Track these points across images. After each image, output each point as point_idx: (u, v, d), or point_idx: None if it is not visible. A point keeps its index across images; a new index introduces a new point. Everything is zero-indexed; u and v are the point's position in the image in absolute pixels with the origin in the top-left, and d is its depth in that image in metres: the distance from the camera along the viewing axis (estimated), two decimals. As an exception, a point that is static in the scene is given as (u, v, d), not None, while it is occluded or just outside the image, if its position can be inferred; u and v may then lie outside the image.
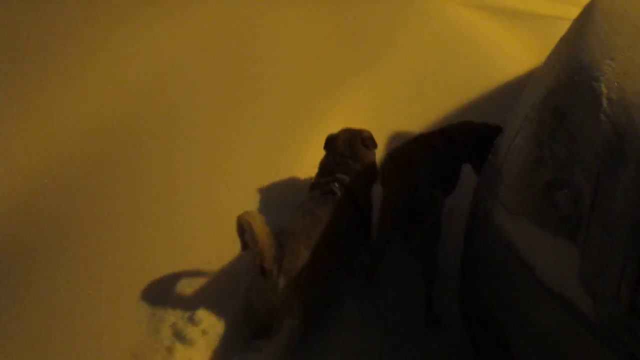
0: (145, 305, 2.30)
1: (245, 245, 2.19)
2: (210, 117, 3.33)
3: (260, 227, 2.14)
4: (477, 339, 2.06)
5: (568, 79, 1.76)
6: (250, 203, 2.84)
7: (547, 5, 5.73)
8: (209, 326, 2.23)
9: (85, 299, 2.28)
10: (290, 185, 3.09)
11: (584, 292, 1.50)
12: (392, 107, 3.79)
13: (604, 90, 1.64)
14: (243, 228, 2.14)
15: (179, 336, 2.17)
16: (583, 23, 2.03)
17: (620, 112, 1.56)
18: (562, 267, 1.57)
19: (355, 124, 3.59)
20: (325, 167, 2.77)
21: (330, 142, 2.87)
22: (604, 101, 1.61)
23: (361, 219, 2.63)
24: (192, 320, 2.24)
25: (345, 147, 2.79)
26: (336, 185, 2.59)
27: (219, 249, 2.56)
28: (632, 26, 1.91)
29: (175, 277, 2.41)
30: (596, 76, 1.68)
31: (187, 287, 2.39)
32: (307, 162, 3.23)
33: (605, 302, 1.45)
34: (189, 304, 2.31)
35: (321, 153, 2.91)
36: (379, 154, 3.50)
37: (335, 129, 3.35)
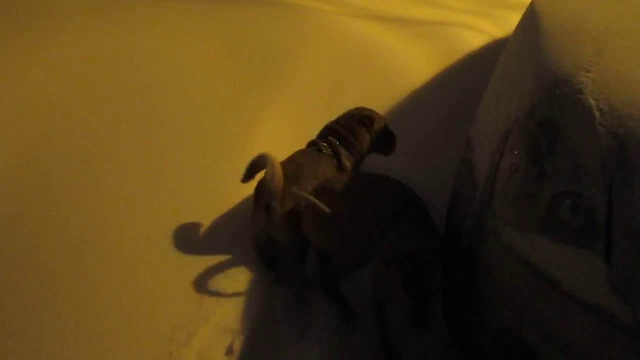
0: None
1: (247, 178, 2.60)
2: (122, 158, 3.01)
3: (280, 170, 2.46)
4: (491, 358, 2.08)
5: (549, 93, 1.82)
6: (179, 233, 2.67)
7: (440, 14, 6.02)
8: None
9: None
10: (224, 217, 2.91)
11: (619, 299, 1.56)
12: (313, 122, 3.74)
13: (592, 102, 1.72)
14: (260, 165, 2.53)
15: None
16: (536, 34, 2.10)
17: (616, 123, 1.65)
18: (589, 277, 1.62)
19: (281, 146, 3.50)
20: (322, 131, 2.98)
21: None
22: (596, 113, 1.69)
23: None
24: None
25: (345, 118, 2.98)
26: (324, 144, 2.84)
27: (187, 307, 2.34)
28: (586, 35, 2.03)
29: (151, 350, 2.15)
30: (579, 89, 1.75)
31: (168, 358, 2.15)
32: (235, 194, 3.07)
33: (643, 307, 1.52)
34: None
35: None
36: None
37: (255, 152, 3.27)
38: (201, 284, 2.44)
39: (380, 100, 3.89)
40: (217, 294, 2.41)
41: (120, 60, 3.69)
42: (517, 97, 1.99)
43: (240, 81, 3.84)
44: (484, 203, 2.00)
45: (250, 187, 2.73)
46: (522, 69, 2.06)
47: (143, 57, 3.78)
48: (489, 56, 4.13)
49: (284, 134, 3.56)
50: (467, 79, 4.03)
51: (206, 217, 2.77)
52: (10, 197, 2.59)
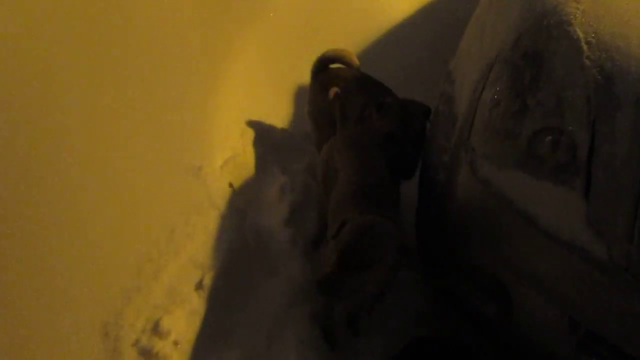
0: (95, 326, 1.99)
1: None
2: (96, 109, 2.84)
3: None
4: (466, 296, 2.08)
5: (536, 24, 1.74)
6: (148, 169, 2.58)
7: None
8: (180, 335, 1.99)
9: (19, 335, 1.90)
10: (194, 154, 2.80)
11: (595, 236, 1.55)
12: (288, 58, 3.59)
13: (580, 34, 1.64)
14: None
15: (147, 355, 1.92)
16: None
17: (604, 57, 1.58)
18: (567, 215, 1.60)
19: (253, 83, 3.37)
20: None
21: None
22: (584, 46, 1.62)
23: None
24: (157, 333, 1.98)
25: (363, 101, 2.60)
26: None
27: (157, 241, 2.28)
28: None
29: (119, 285, 2.11)
30: (568, 20, 1.67)
31: (137, 292, 2.11)
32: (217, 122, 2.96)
33: (619, 244, 1.51)
34: (148, 313, 2.04)
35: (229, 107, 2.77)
36: (284, 104, 3.37)
37: (233, 92, 3.13)
38: (171, 218, 2.37)
39: (360, 35, 3.76)
40: (187, 228, 2.36)
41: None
42: (502, 29, 1.89)
43: (207, 15, 3.61)
44: (463, 138, 1.94)
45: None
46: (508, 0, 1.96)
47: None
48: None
49: (255, 72, 3.41)
50: (449, 12, 3.88)
51: (176, 155, 2.66)
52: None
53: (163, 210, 2.38)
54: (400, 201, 2.31)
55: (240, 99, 3.12)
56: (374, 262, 1.75)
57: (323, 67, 2.92)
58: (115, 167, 2.48)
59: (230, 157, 2.80)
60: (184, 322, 2.06)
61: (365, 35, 3.90)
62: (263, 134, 3.14)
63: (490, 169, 1.79)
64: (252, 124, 3.13)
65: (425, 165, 2.34)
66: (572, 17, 1.68)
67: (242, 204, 2.60)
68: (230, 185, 2.77)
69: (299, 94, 3.39)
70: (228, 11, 3.61)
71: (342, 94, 2.65)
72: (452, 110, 2.11)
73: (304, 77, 3.35)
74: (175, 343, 2.00)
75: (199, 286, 2.17)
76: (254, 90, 3.22)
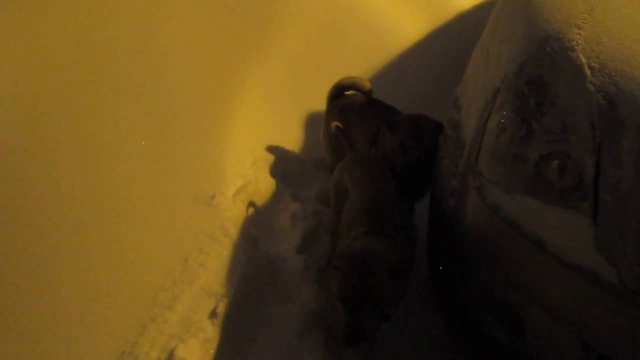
0: (110, 355, 2.01)
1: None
2: (117, 129, 2.92)
3: None
4: (478, 321, 2.08)
5: (539, 50, 1.77)
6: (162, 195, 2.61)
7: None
8: (196, 363, 2.01)
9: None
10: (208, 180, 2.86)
11: (604, 260, 1.55)
12: (299, 87, 3.66)
13: (583, 59, 1.67)
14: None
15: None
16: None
17: (607, 81, 1.60)
18: (576, 238, 1.61)
19: (265, 111, 3.43)
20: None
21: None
22: (587, 71, 1.64)
23: None
24: (173, 362, 2.00)
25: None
26: None
27: (171, 271, 2.31)
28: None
29: (134, 314, 2.13)
30: (571, 46, 1.70)
31: (151, 322, 2.13)
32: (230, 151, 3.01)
33: (629, 267, 1.51)
34: (163, 342, 2.06)
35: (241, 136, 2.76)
36: (295, 132, 3.42)
37: (245, 120, 3.19)
38: (185, 247, 2.41)
39: (368, 60, 3.83)
40: (200, 257, 2.39)
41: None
42: (506, 55, 1.93)
43: (220, 43, 3.71)
44: (471, 163, 1.96)
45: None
46: (513, 26, 1.99)
47: (122, 16, 3.63)
48: (480, 15, 4.04)
49: (267, 100, 3.48)
50: (458, 40, 3.95)
51: (189, 185, 2.71)
52: None
53: (177, 239, 2.41)
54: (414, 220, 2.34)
55: (252, 127, 3.18)
56: (373, 288, 1.78)
57: (338, 94, 3.03)
58: (129, 197, 2.53)
59: (242, 186, 2.84)
60: (198, 351, 2.07)
61: (376, 63, 3.98)
62: (274, 162, 3.19)
63: (499, 194, 1.81)
64: (263, 152, 3.19)
65: (434, 191, 2.36)
66: (574, 43, 1.71)
67: (254, 232, 2.63)
68: (251, 205, 2.83)
69: (310, 121, 3.45)
70: (240, 40, 3.71)
71: (354, 119, 2.82)
72: (460, 136, 2.14)
73: (314, 104, 3.41)
74: (190, 372, 2.02)
75: (212, 315, 2.19)
76: (266, 117, 3.28)
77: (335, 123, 2.81)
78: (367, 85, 3.06)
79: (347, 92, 3.07)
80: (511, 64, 1.86)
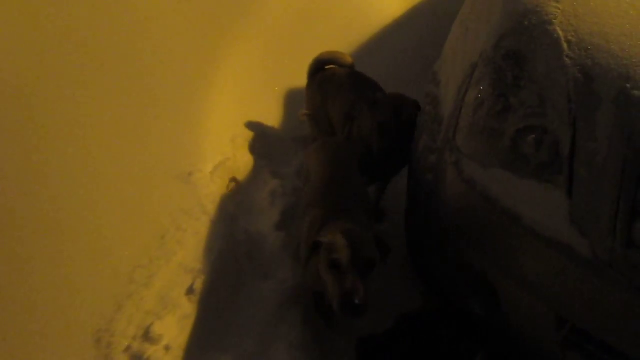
0: (87, 333, 1.99)
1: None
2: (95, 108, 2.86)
3: None
4: (455, 295, 2.09)
5: (517, 24, 1.76)
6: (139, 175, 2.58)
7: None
8: (171, 340, 1.99)
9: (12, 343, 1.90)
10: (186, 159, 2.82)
11: (578, 233, 1.56)
12: (278, 62, 3.61)
13: (561, 33, 1.66)
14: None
15: (139, 360, 1.93)
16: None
17: (584, 55, 1.60)
18: (551, 212, 1.61)
19: (243, 87, 3.38)
20: None
21: None
22: (564, 44, 1.64)
23: None
24: (148, 338, 1.98)
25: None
26: None
27: (148, 248, 2.29)
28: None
29: (111, 291, 2.11)
30: (548, 20, 1.69)
31: (128, 299, 2.11)
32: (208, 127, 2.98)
33: (602, 240, 1.52)
34: (139, 319, 2.04)
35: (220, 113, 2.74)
36: (274, 108, 3.37)
37: (223, 96, 3.15)
38: (162, 224, 2.38)
39: (349, 35, 3.80)
40: (177, 234, 2.37)
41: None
42: (485, 30, 1.92)
43: (197, 19, 3.62)
44: (448, 138, 1.96)
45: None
46: (492, 1, 1.98)
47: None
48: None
49: (245, 76, 3.42)
50: (439, 15, 3.92)
51: (166, 162, 2.67)
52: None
53: (153, 216, 2.39)
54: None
55: (230, 103, 3.14)
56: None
57: (319, 68, 3.01)
58: (104, 174, 2.49)
59: (221, 163, 2.81)
60: (175, 327, 2.07)
61: (357, 38, 3.93)
62: (253, 139, 3.16)
63: (475, 168, 1.81)
64: (242, 128, 3.15)
65: (412, 166, 2.36)
66: (552, 16, 1.70)
67: (233, 209, 2.61)
68: (233, 180, 2.81)
69: (290, 98, 3.42)
70: (218, 16, 3.64)
71: (331, 92, 2.83)
72: (438, 111, 2.14)
73: (295, 80, 3.37)
74: (167, 348, 2.01)
75: (190, 291, 2.18)
76: (245, 94, 3.24)
77: (303, 112, 2.84)
78: (348, 59, 3.04)
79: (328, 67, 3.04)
80: (489, 38, 1.84)
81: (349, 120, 2.70)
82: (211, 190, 2.60)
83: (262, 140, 3.19)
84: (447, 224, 1.98)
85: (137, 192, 2.46)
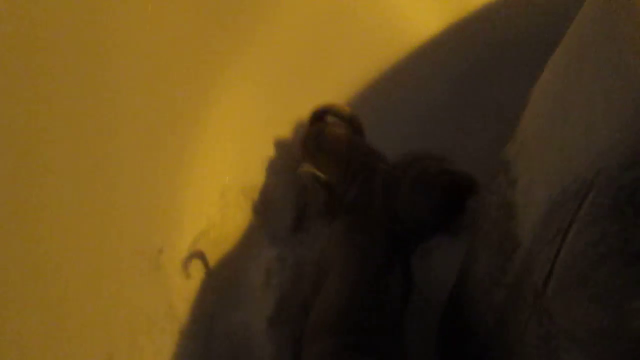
0: None
1: None
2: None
3: None
4: None
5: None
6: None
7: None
8: None
9: None
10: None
11: None
12: (288, 89, 2.95)
13: None
14: None
15: None
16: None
17: None
18: None
19: (247, 119, 2.77)
20: None
21: None
22: None
23: None
24: None
25: None
26: None
27: None
28: None
29: None
30: None
31: None
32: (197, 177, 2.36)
33: None
34: None
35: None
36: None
37: (223, 127, 2.61)
38: (111, 341, 1.74)
39: (374, 60, 3.14)
40: (132, 351, 1.73)
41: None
42: (602, 128, 1.22)
43: (200, 41, 2.91)
44: (533, 285, 1.30)
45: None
46: (611, 77, 1.28)
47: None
48: (505, 12, 3.37)
49: (242, 115, 2.75)
50: (479, 41, 3.28)
51: (130, 230, 2.02)
52: None
53: (101, 329, 1.74)
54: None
55: (221, 148, 2.47)
56: None
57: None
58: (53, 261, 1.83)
59: (202, 233, 2.17)
60: None
61: (381, 57, 3.26)
62: (247, 191, 2.51)
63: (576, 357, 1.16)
64: (235, 178, 2.50)
65: (459, 290, 1.70)
66: None
67: (211, 306, 1.97)
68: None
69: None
70: (212, 49, 2.93)
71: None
72: (511, 227, 1.46)
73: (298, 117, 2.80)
74: None
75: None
76: (240, 137, 2.58)
77: (309, 170, 2.35)
78: (347, 110, 2.59)
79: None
80: (612, 147, 1.16)
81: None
82: (184, 282, 1.95)
83: (259, 192, 2.55)
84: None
85: (81, 283, 1.81)
